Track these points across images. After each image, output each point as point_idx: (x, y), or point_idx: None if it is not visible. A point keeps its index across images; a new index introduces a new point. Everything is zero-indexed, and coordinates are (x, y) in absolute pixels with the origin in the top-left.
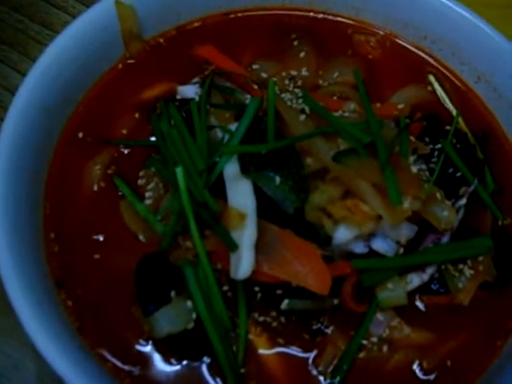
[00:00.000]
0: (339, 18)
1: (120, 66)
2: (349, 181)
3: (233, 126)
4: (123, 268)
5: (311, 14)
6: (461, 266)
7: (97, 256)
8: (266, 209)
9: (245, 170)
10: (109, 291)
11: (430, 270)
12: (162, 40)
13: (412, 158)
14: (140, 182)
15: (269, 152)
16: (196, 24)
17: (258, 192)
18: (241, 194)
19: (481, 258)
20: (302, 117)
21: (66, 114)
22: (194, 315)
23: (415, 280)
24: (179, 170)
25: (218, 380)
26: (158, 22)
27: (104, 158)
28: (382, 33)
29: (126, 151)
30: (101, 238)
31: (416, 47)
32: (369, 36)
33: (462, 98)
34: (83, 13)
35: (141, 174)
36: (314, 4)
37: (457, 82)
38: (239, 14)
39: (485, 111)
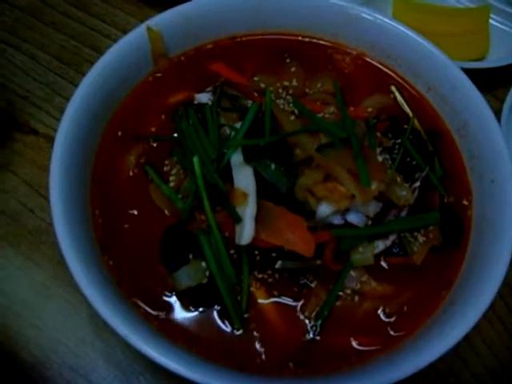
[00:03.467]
0: (321, 41)
1: (150, 78)
2: (328, 167)
3: (238, 125)
4: (152, 236)
5: (299, 37)
6: (415, 234)
7: (132, 226)
8: (264, 189)
9: (247, 159)
10: (141, 253)
11: (392, 237)
12: (183, 58)
13: (378, 150)
14: (165, 168)
15: (266, 144)
16: (209, 45)
17: (258, 176)
18: (244, 178)
19: (431, 228)
20: (292, 117)
21: (108, 116)
22: (207, 273)
23: (380, 245)
24: (196, 159)
25: (227, 323)
26: (180, 44)
27: (137, 151)
28: (354, 53)
29: (154, 145)
30: (135, 212)
31: (381, 64)
32: (344, 55)
33: (416, 104)
34: (122, 37)
35: (166, 162)
36: (302, 30)
37: (412, 91)
38: (243, 38)
39: (434, 114)
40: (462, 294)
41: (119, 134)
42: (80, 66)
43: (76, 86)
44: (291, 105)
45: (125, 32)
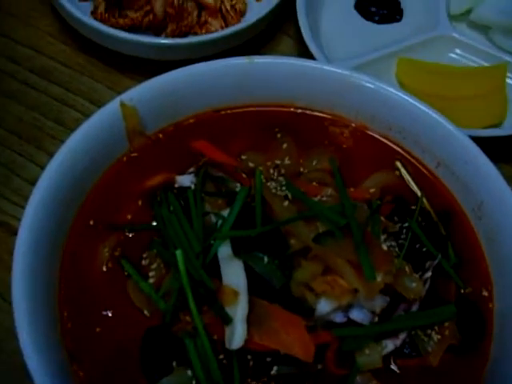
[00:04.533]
0: (316, 113)
1: (125, 158)
2: (328, 259)
3: (225, 212)
4: (130, 341)
5: (292, 109)
6: (429, 332)
7: (106, 331)
8: (257, 285)
9: (236, 252)
10: (116, 363)
11: (402, 336)
12: (161, 135)
13: (383, 237)
14: (144, 262)
15: (257, 235)
16: (191, 120)
17: (249, 270)
18: (233, 274)
19: (446, 324)
20: (286, 203)
21: (78, 203)
22: (193, 383)
23: (389, 345)
24: (179, 253)
25: None
26: (158, 120)
27: (112, 242)
28: (354, 125)
29: (130, 235)
30: (110, 314)
31: (383, 137)
32: (342, 128)
33: (425, 181)
34: (93, 114)
35: (144, 255)
36: (294, 100)
37: (420, 167)
38: (228, 111)
39: (445, 192)
40: None
41: (91, 222)
42: (41, 142)
43: (37, 165)
44: (284, 188)
45: (91, 101)
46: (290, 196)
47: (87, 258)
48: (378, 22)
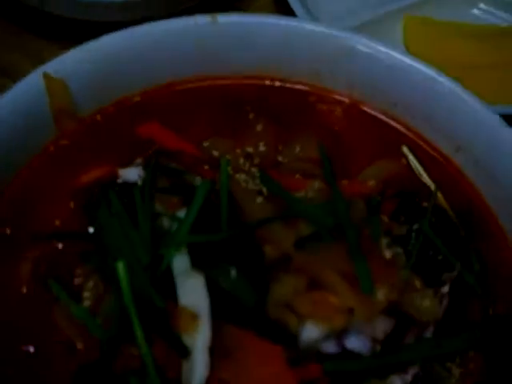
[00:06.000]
0: (299, 86)
1: (51, 148)
2: (314, 270)
3: (181, 213)
4: (58, 382)
5: (267, 82)
6: (449, 365)
7: (26, 370)
8: (222, 306)
9: (196, 263)
10: None
11: (413, 371)
12: (98, 117)
13: (385, 241)
14: (76, 280)
15: (223, 241)
16: (136, 98)
17: (214, 287)
18: (192, 292)
19: (471, 354)
20: (260, 200)
21: None
22: None
23: (397, 382)
24: (120, 266)
25: None
26: (93, 98)
27: (34, 255)
28: (347, 101)
29: (59, 246)
30: (31, 350)
31: (386, 115)
32: (333, 105)
33: (440, 171)
34: (7, 90)
35: (77, 271)
36: (270, 71)
37: (433, 154)
38: (185, 86)
39: (466, 185)
40: None
41: (7, 231)
42: None
43: None
44: (258, 181)
45: (4, 74)
46: (264, 191)
47: (3, 277)
48: None
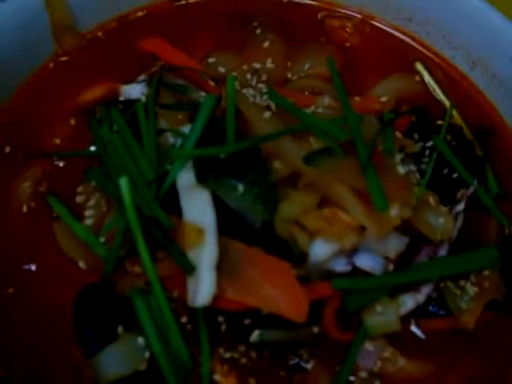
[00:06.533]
0: (308, 1)
1: (51, 64)
2: (325, 186)
3: (186, 129)
4: (60, 303)
5: None
6: (462, 283)
7: (28, 290)
8: (229, 223)
9: (201, 179)
10: (43, 332)
11: (425, 289)
12: (100, 33)
13: (399, 157)
14: (78, 199)
15: (229, 156)
16: (140, 13)
17: (219, 203)
18: (197, 207)
19: (486, 273)
20: (267, 114)
21: None
22: (146, 354)
23: (409, 301)
24: (124, 182)
25: None
26: (95, 13)
27: (35, 173)
28: (359, 16)
29: (60, 164)
30: (33, 268)
31: (399, 31)
32: (344, 20)
33: (455, 88)
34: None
35: (79, 189)
36: None
37: (449, 70)
38: (190, 0)
39: (483, 101)
40: None
41: (6, 149)
42: None
43: None
44: (265, 96)
45: None
46: (273, 107)
47: (3, 196)
48: None
